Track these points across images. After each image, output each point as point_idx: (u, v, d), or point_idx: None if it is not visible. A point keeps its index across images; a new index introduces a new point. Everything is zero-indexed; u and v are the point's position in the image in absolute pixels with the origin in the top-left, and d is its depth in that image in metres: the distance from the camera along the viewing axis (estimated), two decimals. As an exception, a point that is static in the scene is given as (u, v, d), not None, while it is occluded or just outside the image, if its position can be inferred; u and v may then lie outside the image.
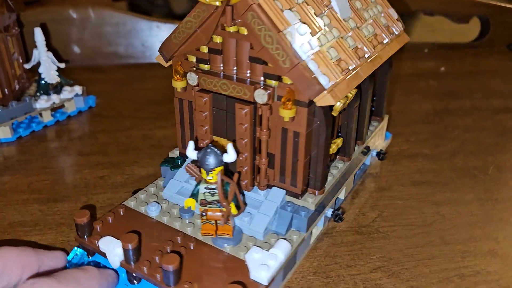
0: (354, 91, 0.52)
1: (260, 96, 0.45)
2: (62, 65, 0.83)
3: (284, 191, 0.51)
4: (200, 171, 0.46)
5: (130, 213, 0.52)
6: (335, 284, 0.49)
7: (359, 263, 0.52)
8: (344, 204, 0.61)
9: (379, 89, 0.67)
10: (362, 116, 0.60)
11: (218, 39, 0.48)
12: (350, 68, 0.49)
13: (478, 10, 1.29)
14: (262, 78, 0.47)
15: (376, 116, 0.69)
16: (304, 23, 0.45)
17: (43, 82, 0.81)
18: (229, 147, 0.45)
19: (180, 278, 0.43)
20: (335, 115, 0.50)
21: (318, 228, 0.55)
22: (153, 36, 1.12)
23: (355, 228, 0.57)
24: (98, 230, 0.49)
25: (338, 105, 0.49)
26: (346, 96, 0.50)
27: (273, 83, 0.46)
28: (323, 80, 0.44)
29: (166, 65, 0.54)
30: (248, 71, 0.48)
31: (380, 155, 0.69)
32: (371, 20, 0.58)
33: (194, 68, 0.50)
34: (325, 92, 0.44)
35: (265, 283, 0.43)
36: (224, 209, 0.46)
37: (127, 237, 0.44)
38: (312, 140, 0.49)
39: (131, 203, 0.53)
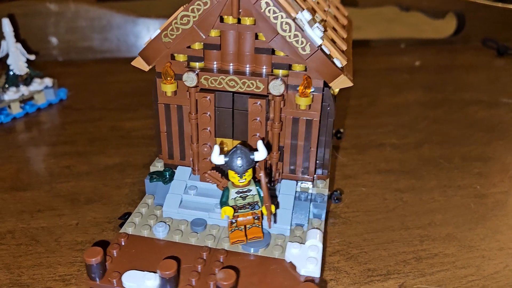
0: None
1: (277, 87, 0.44)
2: (32, 57, 0.83)
3: (295, 182, 0.51)
4: (222, 177, 0.44)
5: (134, 240, 0.46)
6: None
7: (318, 247, 0.52)
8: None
9: None
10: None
11: (215, 33, 0.46)
12: (343, 50, 0.50)
13: (454, 6, 1.31)
14: (265, 69, 0.46)
15: None
16: (304, 9, 0.45)
17: (11, 73, 0.80)
18: (259, 144, 0.43)
19: None
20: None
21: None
22: (128, 30, 1.12)
23: (317, 214, 0.57)
24: (109, 267, 0.42)
25: (337, 90, 0.50)
26: None
27: (280, 73, 0.45)
28: (338, 63, 0.45)
29: (147, 69, 0.49)
30: (249, 64, 0.46)
31: (338, 133, 0.71)
32: (330, 11, 0.59)
33: (185, 68, 0.47)
34: (342, 74, 0.44)
35: (318, 274, 0.42)
36: (257, 211, 0.44)
37: (165, 265, 0.39)
38: (320, 126, 0.49)
39: (129, 229, 0.48)
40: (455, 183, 0.64)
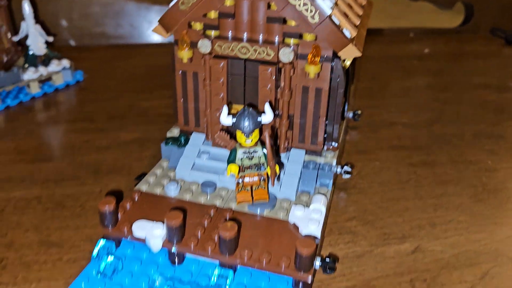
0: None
1: (286, 55, 0.46)
2: (51, 39, 0.85)
3: (304, 151, 0.52)
4: (231, 139, 0.46)
5: (147, 197, 0.49)
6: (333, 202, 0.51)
7: (335, 213, 0.53)
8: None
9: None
10: (351, 78, 0.62)
11: (229, 2, 0.47)
12: (356, 24, 0.51)
13: (462, -4, 1.32)
14: (278, 38, 0.47)
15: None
16: None
17: (30, 53, 0.82)
18: (267, 106, 0.45)
19: (237, 245, 0.41)
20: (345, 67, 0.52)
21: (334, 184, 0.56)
22: (142, 17, 1.14)
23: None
24: (121, 218, 0.45)
25: (347, 62, 0.51)
26: None
27: (291, 41, 0.47)
28: (347, 33, 0.46)
29: (166, 36, 0.51)
30: (262, 33, 0.47)
31: (355, 115, 0.71)
32: None
33: (201, 36, 0.49)
34: (350, 44, 0.45)
35: (318, 235, 0.43)
36: (263, 172, 0.46)
37: (172, 215, 0.41)
38: (330, 96, 0.50)
39: (143, 187, 0.50)
40: (467, 159, 0.66)
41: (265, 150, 0.45)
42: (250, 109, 0.44)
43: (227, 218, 0.45)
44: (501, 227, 0.52)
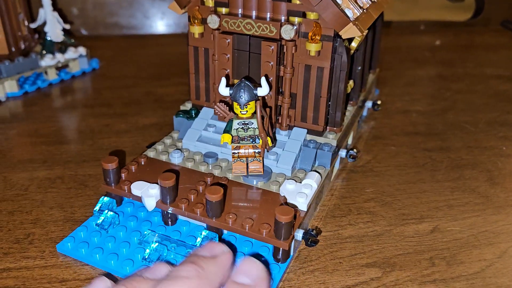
0: (365, 32, 0.54)
1: (288, 32, 0.47)
2: (68, 26, 0.86)
3: (306, 130, 0.53)
4: (229, 110, 0.47)
5: (152, 162, 0.51)
6: (330, 211, 0.51)
7: (354, 195, 0.54)
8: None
9: (375, 41, 0.70)
10: (366, 64, 0.62)
11: None
12: (365, 7, 0.51)
13: (473, -11, 1.32)
14: (283, 17, 0.48)
15: (371, 68, 0.72)
16: None
17: (48, 40, 0.83)
18: (263, 80, 0.46)
19: (223, 210, 0.43)
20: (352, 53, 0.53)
21: (335, 168, 0.57)
22: (155, 7, 1.15)
23: (349, 168, 0.60)
24: (123, 178, 0.48)
25: (354, 44, 0.52)
26: (360, 37, 0.53)
27: (296, 20, 0.47)
28: (349, 13, 0.46)
29: (181, 12, 0.53)
30: (269, 11, 0.49)
31: (375, 105, 0.72)
32: None
33: (212, 13, 0.51)
34: (351, 24, 0.45)
35: (305, 208, 0.44)
36: (258, 145, 0.47)
37: (165, 176, 0.43)
38: (333, 77, 0.50)
39: (150, 153, 0.53)
40: (481, 144, 0.66)
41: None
42: (247, 81, 0.45)
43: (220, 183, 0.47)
44: (518, 209, 0.52)
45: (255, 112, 0.46)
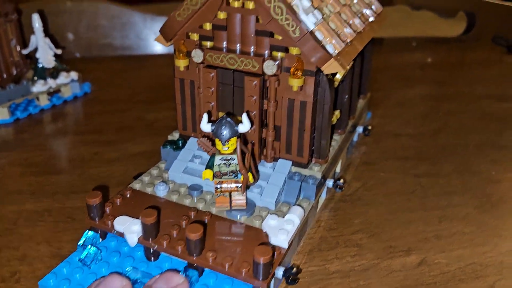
0: (351, 64, 0.54)
1: (270, 67, 0.47)
2: (59, 51, 0.86)
3: (291, 162, 0.53)
4: (212, 144, 0.47)
5: (137, 195, 0.52)
6: (317, 244, 0.51)
7: (342, 226, 0.54)
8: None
9: (364, 67, 0.70)
10: (354, 91, 0.63)
11: (222, 15, 0.49)
12: (348, 40, 0.51)
13: (464, 5, 1.33)
14: (267, 51, 0.48)
15: (362, 94, 0.73)
16: None
17: (40, 65, 0.83)
18: (244, 116, 0.47)
19: (204, 248, 0.43)
20: (336, 85, 0.53)
21: (321, 198, 0.57)
22: (148, 28, 1.15)
23: (338, 196, 0.60)
24: (108, 212, 0.48)
25: (338, 77, 0.52)
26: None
27: (279, 55, 0.48)
28: (330, 48, 0.46)
29: (167, 45, 0.54)
30: (253, 46, 0.49)
31: (366, 131, 0.72)
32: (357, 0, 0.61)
33: (197, 46, 0.51)
34: (332, 60, 0.46)
35: (286, 246, 0.44)
36: (240, 180, 0.47)
37: (146, 213, 0.44)
38: (317, 110, 0.51)
39: (136, 185, 0.53)
40: (471, 169, 0.67)
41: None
42: (228, 117, 0.46)
43: (206, 222, 0.47)
44: (505, 240, 0.52)
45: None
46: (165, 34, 0.53)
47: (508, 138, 0.76)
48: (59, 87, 0.86)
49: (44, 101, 0.83)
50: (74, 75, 0.88)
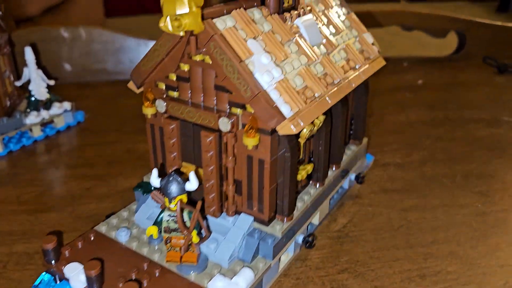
0: (322, 118, 0.53)
1: (224, 124, 0.46)
2: (52, 82, 0.87)
3: (252, 218, 0.51)
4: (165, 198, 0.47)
5: (100, 239, 0.52)
6: (304, 284, 0.52)
7: (328, 265, 0.55)
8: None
9: (356, 113, 0.67)
10: (335, 141, 0.60)
11: (185, 67, 0.48)
12: (316, 95, 0.49)
13: (455, 25, 1.34)
14: (227, 106, 0.48)
15: (354, 139, 0.69)
16: (268, 52, 0.47)
17: (33, 98, 0.84)
18: (191, 175, 0.46)
19: None
20: (302, 142, 0.52)
21: (288, 255, 0.55)
22: (141, 53, 1.16)
23: (326, 233, 0.61)
24: (67, 255, 0.49)
25: (305, 131, 0.51)
26: (313, 123, 0.52)
27: (238, 111, 0.47)
28: (285, 109, 0.45)
29: (137, 91, 0.54)
30: (215, 99, 0.48)
31: (359, 178, 0.69)
32: (344, 46, 0.59)
33: (164, 95, 0.51)
34: (286, 121, 0.44)
35: None
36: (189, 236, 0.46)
37: (90, 264, 0.45)
38: (277, 168, 0.49)
39: (102, 228, 0.54)
40: (457, 202, 0.67)
41: (190, 215, 0.47)
42: (175, 175, 0.46)
43: (157, 275, 0.47)
44: (489, 278, 0.53)
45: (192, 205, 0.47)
46: (135, 81, 0.53)
47: (496, 167, 0.77)
48: (52, 118, 0.87)
49: (37, 132, 0.84)
50: (67, 105, 0.89)
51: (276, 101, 0.45)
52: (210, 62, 0.47)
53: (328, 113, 0.55)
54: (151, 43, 1.17)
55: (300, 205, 0.54)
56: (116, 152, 0.81)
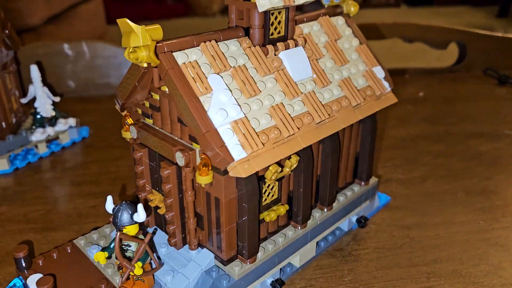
0: (295, 158, 0.50)
1: (179, 159, 0.45)
2: (57, 99, 0.88)
3: (213, 255, 0.50)
4: None
5: (74, 252, 0.54)
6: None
7: (332, 285, 0.56)
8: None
9: (362, 151, 0.63)
10: (324, 181, 0.57)
11: (156, 96, 0.48)
12: (285, 136, 0.47)
13: (455, 36, 1.35)
14: (187, 138, 0.47)
15: (359, 180, 0.64)
16: (233, 88, 0.45)
17: (38, 116, 0.85)
18: (139, 207, 0.47)
19: None
20: (270, 183, 0.50)
21: None
22: (144, 67, 1.17)
23: (330, 251, 0.61)
24: (40, 264, 0.51)
25: (270, 173, 0.48)
26: (283, 164, 0.49)
27: (197, 146, 0.45)
28: (235, 151, 0.43)
29: (122, 113, 0.54)
30: (179, 132, 0.48)
31: (361, 222, 0.64)
32: (341, 82, 0.55)
33: (141, 120, 0.52)
34: (236, 163, 0.42)
35: None
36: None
37: (42, 280, 0.47)
38: (236, 208, 0.47)
39: (80, 241, 0.55)
40: (459, 219, 0.68)
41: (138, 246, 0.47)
42: (125, 205, 0.47)
43: None
44: (491, 298, 0.54)
45: (134, 236, 0.48)
46: (118, 103, 0.53)
47: (496, 182, 0.78)
48: (57, 134, 0.88)
49: (42, 149, 0.85)
50: (72, 121, 0.90)
51: (226, 141, 0.43)
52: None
53: (308, 153, 0.52)
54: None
55: (271, 247, 0.51)
56: (120, 168, 0.82)
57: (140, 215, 0.47)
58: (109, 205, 0.49)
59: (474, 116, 1.05)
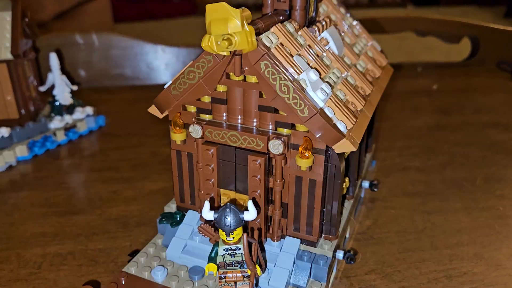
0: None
1: (276, 147, 0.44)
2: (75, 88, 0.89)
3: (299, 240, 0.49)
4: (215, 231, 0.45)
5: (133, 281, 0.48)
6: (334, 286, 0.53)
7: (355, 266, 0.56)
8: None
9: (370, 125, 0.67)
10: (362, 153, 0.60)
11: (222, 88, 0.46)
12: (359, 109, 0.48)
13: (468, 30, 1.35)
14: (271, 126, 0.45)
15: (367, 150, 0.70)
16: (313, 67, 0.45)
17: (57, 103, 0.86)
18: (250, 204, 0.43)
19: None
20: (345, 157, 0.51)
21: (332, 273, 0.53)
22: (158, 58, 1.18)
23: (352, 235, 0.62)
24: None
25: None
26: None
27: (284, 131, 0.45)
28: (342, 127, 0.43)
29: (161, 116, 0.51)
30: (255, 120, 0.46)
31: (373, 186, 0.67)
32: (362, 55, 0.58)
33: (194, 119, 0.49)
34: (344, 139, 0.43)
35: None
36: (246, 270, 0.44)
37: None
38: (327, 186, 0.48)
39: (132, 269, 0.49)
40: (479, 205, 0.68)
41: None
42: (232, 206, 0.43)
43: None
44: (515, 279, 0.54)
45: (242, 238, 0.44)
46: (160, 106, 0.50)
47: (514, 170, 0.78)
48: (75, 122, 0.88)
49: (61, 137, 0.86)
50: (89, 110, 0.90)
51: (332, 118, 0.44)
52: (253, 82, 0.44)
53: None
54: (170, 50, 1.19)
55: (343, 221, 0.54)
56: (140, 155, 0.82)
57: (252, 213, 0.43)
58: (207, 211, 0.43)
59: (489, 107, 1.05)
